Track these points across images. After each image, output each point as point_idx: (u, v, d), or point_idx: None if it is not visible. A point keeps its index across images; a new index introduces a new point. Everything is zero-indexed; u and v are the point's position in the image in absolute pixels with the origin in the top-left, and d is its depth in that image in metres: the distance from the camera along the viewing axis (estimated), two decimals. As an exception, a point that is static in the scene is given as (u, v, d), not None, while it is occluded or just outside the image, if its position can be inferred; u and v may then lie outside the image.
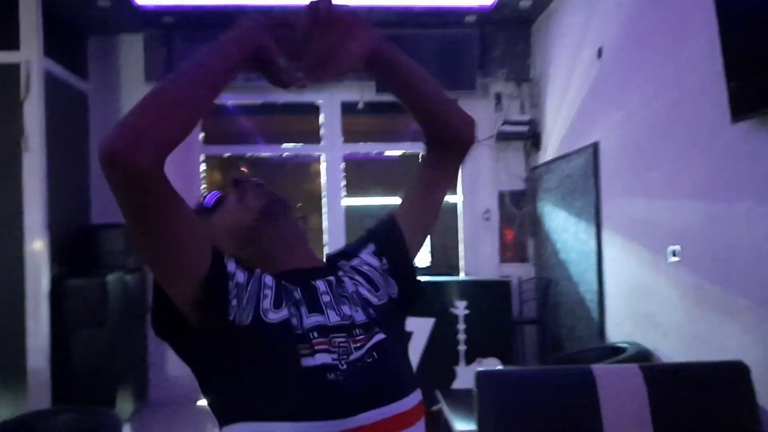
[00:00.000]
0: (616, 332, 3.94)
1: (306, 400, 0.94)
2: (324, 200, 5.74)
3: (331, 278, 1.10)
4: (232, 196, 1.16)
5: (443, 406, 3.39)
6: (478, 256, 5.63)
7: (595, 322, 4.19)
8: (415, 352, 4.16)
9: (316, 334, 0.99)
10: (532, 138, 5.40)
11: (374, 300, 1.11)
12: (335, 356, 0.98)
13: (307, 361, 0.96)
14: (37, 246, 4.40)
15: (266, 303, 1.00)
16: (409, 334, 3.80)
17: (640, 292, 3.65)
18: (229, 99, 5.72)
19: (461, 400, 3.40)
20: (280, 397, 0.94)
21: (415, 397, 1.03)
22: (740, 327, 2.74)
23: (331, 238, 5.68)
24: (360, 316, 1.06)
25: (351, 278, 1.13)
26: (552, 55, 5.11)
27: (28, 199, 4.39)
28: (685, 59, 3.12)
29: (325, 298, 1.06)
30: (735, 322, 2.78)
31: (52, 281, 4.51)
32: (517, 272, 5.46)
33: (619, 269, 3.92)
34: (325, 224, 5.70)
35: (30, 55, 4.42)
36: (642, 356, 3.38)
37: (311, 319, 1.01)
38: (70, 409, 2.92)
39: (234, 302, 0.98)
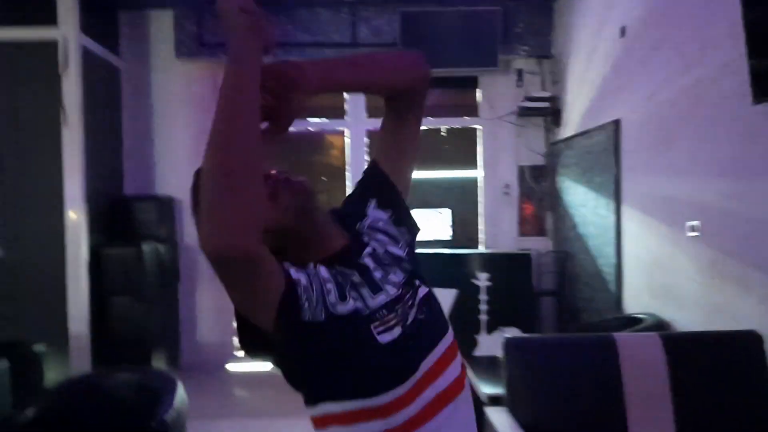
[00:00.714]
0: (633, 304, 4.09)
1: (385, 373, 1.07)
2: (348, 174, 5.89)
3: (369, 250, 1.18)
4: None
5: (468, 371, 3.57)
6: (497, 230, 5.78)
7: (613, 293, 4.34)
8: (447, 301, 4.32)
9: (385, 312, 1.11)
10: (553, 114, 5.49)
11: (400, 253, 1.22)
12: (401, 324, 1.11)
13: (384, 338, 1.09)
14: (76, 216, 4.60)
15: (331, 297, 1.08)
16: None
17: (658, 266, 3.79)
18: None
19: (484, 367, 3.59)
20: (364, 376, 1.07)
21: (449, 326, 1.20)
22: (755, 299, 2.88)
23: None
24: (399, 276, 1.17)
25: (375, 239, 1.21)
26: (574, 33, 5.19)
27: (67, 172, 4.58)
28: (709, 39, 3.20)
29: (377, 275, 1.15)
30: (750, 294, 2.92)
31: (90, 250, 4.71)
32: (535, 246, 5.60)
33: (638, 243, 4.06)
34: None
35: (67, 31, 4.58)
36: (659, 327, 3.53)
37: (377, 300, 1.12)
38: (130, 368, 3.12)
39: (306, 305, 1.05)
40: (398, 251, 1.21)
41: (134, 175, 5.58)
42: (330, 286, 1.09)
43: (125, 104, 5.55)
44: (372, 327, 1.08)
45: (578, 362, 2.64)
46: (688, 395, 2.58)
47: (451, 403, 1.13)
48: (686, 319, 3.45)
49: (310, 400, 1.12)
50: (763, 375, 2.63)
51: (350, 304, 1.09)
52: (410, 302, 1.15)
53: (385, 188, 1.29)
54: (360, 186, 1.34)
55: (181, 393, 2.66)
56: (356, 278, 1.13)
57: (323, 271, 1.11)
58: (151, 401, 2.51)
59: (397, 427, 1.06)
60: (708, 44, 3.23)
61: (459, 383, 1.17)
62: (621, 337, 2.68)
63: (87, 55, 4.78)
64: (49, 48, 4.58)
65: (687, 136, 3.47)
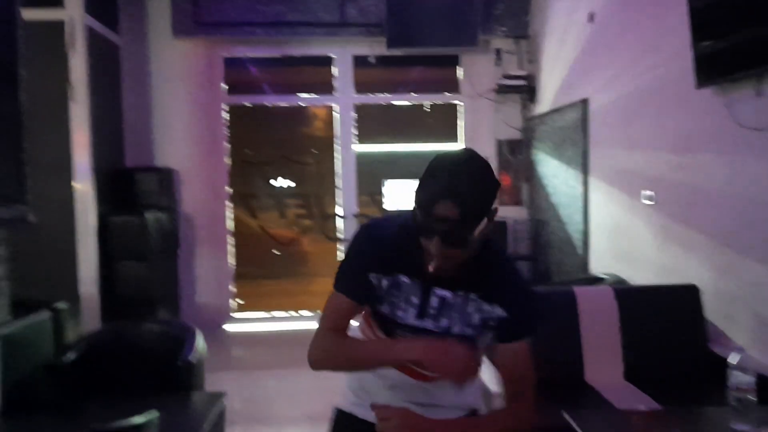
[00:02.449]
0: (598, 266, 4.54)
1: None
2: (338, 147, 6.26)
3: (449, 294, 1.49)
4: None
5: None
6: (477, 199, 6.19)
7: (581, 257, 4.79)
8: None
9: (408, 333, 1.53)
10: (529, 92, 5.88)
11: (464, 328, 1.52)
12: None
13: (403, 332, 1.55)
14: (85, 187, 4.92)
15: (378, 299, 1.54)
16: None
17: (619, 231, 4.23)
18: (249, 52, 6.16)
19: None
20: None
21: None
22: (698, 258, 3.33)
23: (344, 182, 6.23)
24: (458, 329, 1.51)
25: (478, 310, 1.50)
26: (548, 15, 5.56)
27: (76, 145, 4.89)
28: (665, 26, 3.59)
29: (431, 311, 1.51)
30: (694, 253, 3.36)
31: (98, 218, 5.05)
32: (512, 214, 6.02)
33: (602, 211, 4.49)
34: (338, 169, 6.25)
35: (74, 11, 4.85)
36: (618, 284, 3.98)
37: (414, 321, 1.52)
38: (153, 320, 3.50)
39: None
40: (471, 321, 1.52)
41: (135, 148, 5.89)
42: (381, 293, 1.52)
43: (125, 81, 5.84)
44: (398, 331, 1.54)
45: (543, 311, 3.07)
46: (635, 339, 3.03)
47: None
48: (641, 278, 3.90)
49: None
50: (700, 321, 3.08)
51: (386, 308, 1.54)
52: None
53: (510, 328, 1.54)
54: (512, 309, 1.52)
55: (200, 340, 3.05)
56: (414, 299, 1.51)
57: (384, 282, 1.52)
58: (175, 346, 2.91)
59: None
60: (664, 31, 3.62)
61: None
62: (579, 289, 3.12)
63: (90, 34, 5.06)
64: (56, 27, 4.85)
65: (644, 115, 3.88)
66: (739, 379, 2.19)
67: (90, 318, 4.89)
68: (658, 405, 2.53)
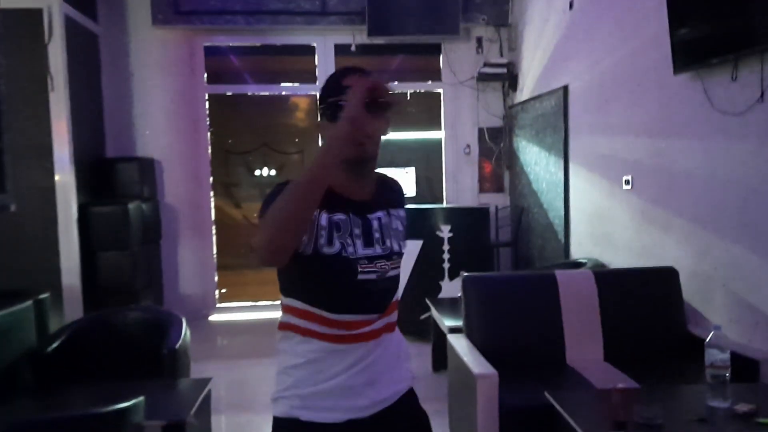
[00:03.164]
0: (579, 251, 4.61)
1: (354, 300, 1.45)
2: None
3: (380, 215, 1.51)
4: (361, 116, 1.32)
5: (432, 310, 4.05)
6: (459, 187, 6.24)
7: (561, 242, 4.85)
8: (406, 269, 4.79)
9: (366, 261, 1.46)
10: (510, 79, 5.92)
11: (400, 236, 1.57)
12: (378, 274, 1.48)
13: (362, 276, 1.45)
14: (66, 177, 4.89)
15: (322, 240, 1.41)
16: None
17: (599, 216, 4.29)
18: (229, 41, 6.13)
19: (447, 306, 4.07)
20: (336, 297, 1.44)
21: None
22: (675, 240, 3.39)
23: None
24: (397, 247, 1.53)
25: (391, 216, 1.55)
26: (528, 3, 5.59)
27: (56, 135, 4.85)
28: (642, 15, 3.64)
29: (376, 235, 1.49)
30: (671, 236, 3.43)
31: (79, 209, 5.02)
32: (494, 201, 6.07)
33: (582, 197, 4.55)
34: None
35: (52, 0, 4.79)
36: (597, 268, 4.04)
37: (365, 251, 1.46)
38: (138, 308, 3.50)
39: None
40: (399, 234, 1.57)
41: (115, 138, 5.85)
42: (323, 232, 1.42)
43: (104, 70, 5.79)
44: (358, 266, 1.45)
45: (525, 295, 3.13)
46: (615, 321, 3.08)
47: (382, 336, 1.51)
48: (620, 261, 3.96)
49: (285, 291, 1.53)
50: (678, 303, 3.14)
51: (336, 247, 1.43)
52: (394, 263, 1.52)
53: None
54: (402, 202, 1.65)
55: (185, 328, 3.06)
56: (357, 231, 1.47)
57: (323, 219, 1.43)
58: (160, 334, 2.91)
59: (334, 335, 1.45)
60: (641, 19, 3.66)
61: (391, 327, 1.55)
62: (560, 273, 3.17)
63: (68, 23, 5.01)
64: (34, 16, 4.80)
65: (622, 101, 3.93)
66: (715, 356, 2.25)
67: (72, 309, 4.87)
68: (637, 384, 2.58)
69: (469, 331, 3.07)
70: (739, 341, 2.85)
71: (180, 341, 2.89)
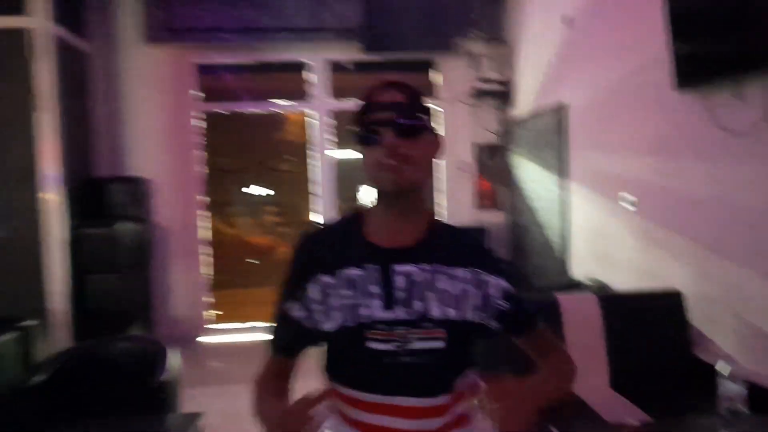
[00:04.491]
0: (579, 270, 4.51)
1: (366, 375, 1.25)
2: (314, 153, 6.16)
3: (415, 269, 1.25)
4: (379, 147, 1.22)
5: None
6: (456, 204, 6.15)
7: (560, 261, 4.76)
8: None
9: (383, 327, 1.22)
10: (506, 96, 5.86)
11: (455, 312, 1.26)
12: (398, 344, 1.22)
13: (374, 345, 1.22)
14: (54, 198, 4.77)
15: (317, 317, 1.27)
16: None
17: (600, 235, 4.20)
18: (222, 58, 6.05)
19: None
20: (348, 370, 1.28)
21: (443, 399, 1.27)
22: (680, 262, 3.30)
23: (322, 189, 6.14)
24: (437, 312, 1.24)
25: (462, 281, 1.28)
26: (524, 19, 5.54)
27: (44, 155, 4.74)
28: (643, 32, 3.57)
29: (400, 294, 1.24)
30: (676, 258, 3.34)
31: (68, 230, 4.90)
32: (490, 218, 5.99)
33: (583, 215, 4.47)
34: (317, 176, 6.16)
35: (39, 18, 4.70)
36: (599, 289, 3.95)
37: (383, 314, 1.23)
38: (126, 338, 3.38)
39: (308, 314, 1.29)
40: (454, 299, 1.27)
41: (106, 157, 5.74)
42: (315, 306, 1.27)
43: (95, 88, 5.68)
44: (367, 334, 1.23)
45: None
46: (620, 346, 2.99)
47: None
48: (622, 282, 3.87)
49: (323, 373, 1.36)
50: (685, 326, 3.05)
51: (336, 322, 1.25)
52: (417, 333, 1.23)
53: (520, 309, 1.40)
54: (513, 280, 1.37)
55: (175, 357, 2.95)
56: (374, 287, 1.24)
57: (314, 290, 1.27)
58: (148, 365, 2.80)
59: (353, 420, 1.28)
60: (642, 35, 3.59)
61: (461, 421, 1.32)
62: (563, 297, 3.07)
63: (56, 41, 4.91)
64: (20, 35, 4.70)
65: (623, 119, 3.86)
66: (729, 388, 2.16)
67: (61, 334, 4.74)
68: (646, 415, 2.49)
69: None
70: (752, 369, 2.75)
71: (168, 373, 2.78)
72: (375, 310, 1.23)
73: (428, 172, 1.29)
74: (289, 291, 1.32)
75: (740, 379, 2.11)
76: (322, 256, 1.29)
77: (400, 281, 1.25)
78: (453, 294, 1.27)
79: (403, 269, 1.25)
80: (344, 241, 1.30)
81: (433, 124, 1.30)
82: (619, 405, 2.71)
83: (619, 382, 2.93)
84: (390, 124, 1.21)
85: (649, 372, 2.99)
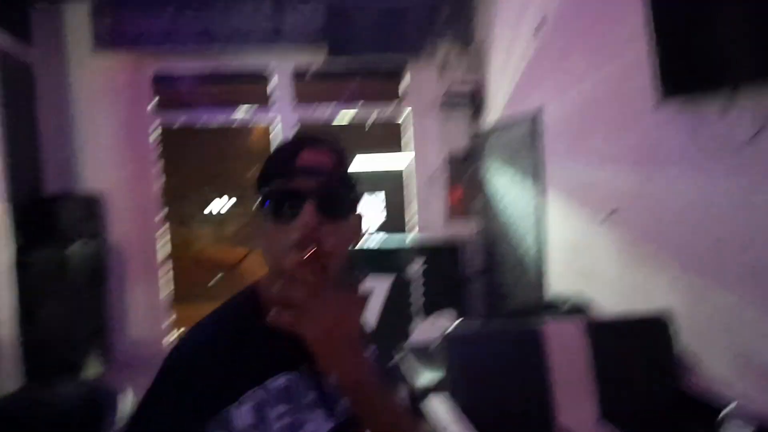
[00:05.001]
0: (558, 284, 4.33)
1: None
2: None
3: None
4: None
5: (407, 358, 3.71)
6: (427, 215, 5.93)
7: (537, 275, 4.57)
8: (375, 306, 4.45)
9: None
10: (477, 102, 5.66)
11: None
12: None
13: None
14: (-2, 219, 4.43)
15: (308, 422, 1.00)
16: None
17: (580, 249, 4.02)
18: (178, 67, 5.74)
19: (421, 356, 3.74)
20: None
21: None
22: (667, 279, 3.12)
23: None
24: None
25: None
26: (496, 23, 5.34)
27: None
28: (624, 35, 3.39)
29: (335, 394, 1.04)
30: (663, 273, 3.16)
31: (14, 254, 4.56)
32: (463, 230, 5.78)
33: (561, 227, 4.28)
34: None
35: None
36: (580, 308, 3.76)
37: (327, 425, 1.01)
38: (71, 384, 3.08)
39: None
40: None
41: (56, 173, 5.39)
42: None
43: (41, 99, 5.33)
44: None
45: (510, 351, 2.81)
46: (608, 376, 2.80)
47: None
48: (605, 299, 3.69)
49: None
50: (673, 353, 2.88)
51: None
52: None
53: None
54: None
55: (125, 406, 2.66)
56: (311, 395, 1.03)
57: (244, 413, 0.96)
58: (97, 417, 2.51)
59: None
60: (621, 42, 3.41)
61: None
62: (548, 326, 2.87)
63: (-2, 51, 4.57)
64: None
65: (603, 128, 3.68)
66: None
67: (8, 368, 4.39)
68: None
69: (452, 392, 2.74)
70: (745, 397, 2.58)
71: (119, 427, 2.49)
72: (320, 424, 1.00)
73: (343, 261, 1.02)
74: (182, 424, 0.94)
75: (748, 425, 1.93)
76: (241, 365, 0.98)
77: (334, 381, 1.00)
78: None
79: None
80: (253, 339, 1.00)
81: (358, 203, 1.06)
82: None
83: (609, 413, 2.74)
84: (312, 197, 0.97)
85: (638, 402, 2.80)
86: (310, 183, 0.98)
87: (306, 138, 1.05)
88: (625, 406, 2.78)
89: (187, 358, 0.98)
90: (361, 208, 1.07)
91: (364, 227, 1.09)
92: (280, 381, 0.99)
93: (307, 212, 0.96)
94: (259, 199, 1.02)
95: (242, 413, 0.95)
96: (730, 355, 2.70)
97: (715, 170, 2.75)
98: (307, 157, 1.00)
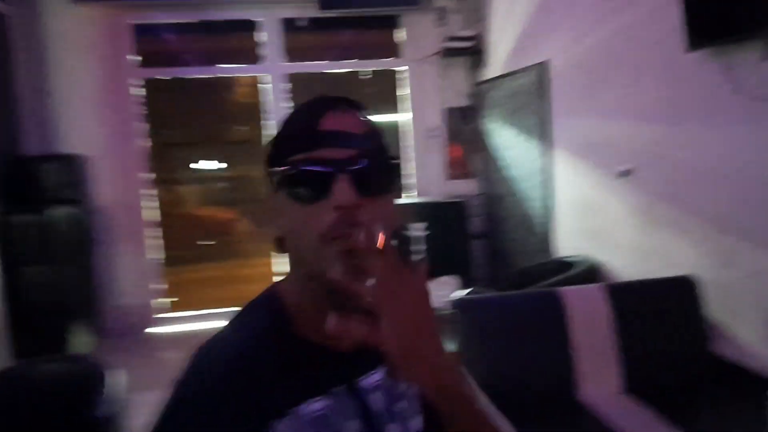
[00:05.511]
0: (565, 246, 4.16)
1: None
2: (268, 121, 5.62)
3: (379, 378, 0.86)
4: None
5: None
6: (426, 174, 5.71)
7: (544, 236, 4.39)
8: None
9: None
10: (477, 54, 5.39)
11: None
12: None
13: None
14: (-27, 184, 4.17)
15: None
16: None
17: (591, 209, 3.84)
18: (161, 17, 5.41)
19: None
20: None
21: None
22: (689, 242, 2.96)
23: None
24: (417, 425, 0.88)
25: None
26: (497, -31, 5.05)
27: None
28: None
29: (382, 418, 0.85)
30: (684, 237, 2.99)
31: (-6, 219, 4.33)
32: (463, 188, 5.58)
33: (570, 186, 4.09)
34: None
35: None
36: (593, 270, 3.60)
37: None
38: (52, 359, 2.89)
39: None
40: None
41: (34, 133, 5.09)
42: None
43: (17, 55, 5.00)
44: None
45: (527, 318, 2.64)
46: (631, 342, 2.64)
47: None
48: (620, 262, 3.53)
49: None
50: (698, 316, 2.72)
51: None
52: None
53: None
54: None
55: (118, 379, 2.48)
56: (352, 423, 0.82)
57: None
58: (84, 394, 2.33)
59: None
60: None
61: None
62: (567, 291, 2.70)
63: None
64: None
65: (618, 80, 3.46)
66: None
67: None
68: (661, 423, 2.15)
69: (466, 361, 2.57)
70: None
71: (106, 405, 2.31)
72: None
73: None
74: None
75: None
76: (263, 388, 0.78)
77: (374, 400, 0.83)
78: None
79: (371, 382, 0.84)
80: (281, 355, 0.81)
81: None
82: (632, 414, 2.37)
83: (632, 385, 2.59)
84: (347, 171, 0.77)
85: (663, 372, 2.65)
86: (340, 152, 0.78)
87: (328, 99, 0.84)
88: (651, 376, 2.62)
89: (205, 381, 0.78)
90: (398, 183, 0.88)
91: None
92: (315, 406, 0.80)
93: (342, 188, 0.76)
94: (275, 174, 0.82)
95: None
96: (761, 321, 2.55)
97: (747, 125, 2.55)
98: (334, 121, 0.80)
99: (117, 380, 2.50)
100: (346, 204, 0.75)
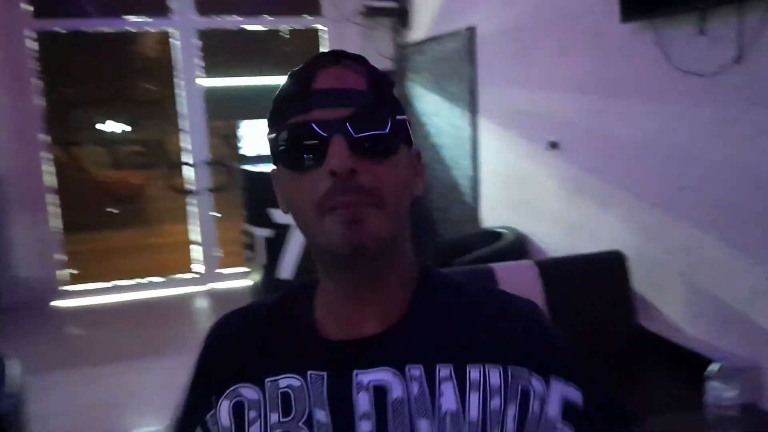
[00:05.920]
0: (491, 217, 4.14)
1: None
2: (179, 81, 5.26)
3: (387, 377, 0.70)
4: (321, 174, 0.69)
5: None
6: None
7: (469, 205, 4.36)
8: (290, 256, 4.08)
9: None
10: (402, 15, 5.23)
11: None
12: None
13: None
14: None
15: None
16: None
17: (517, 180, 3.81)
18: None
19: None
20: None
21: None
22: (616, 216, 2.97)
23: (191, 124, 5.30)
24: None
25: (462, 389, 0.70)
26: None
27: None
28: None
29: (364, 426, 0.69)
30: (611, 211, 3.00)
31: None
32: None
33: (496, 156, 4.04)
34: (184, 109, 5.28)
35: None
36: (520, 241, 3.59)
37: None
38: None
39: None
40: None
41: None
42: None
43: None
44: None
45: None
46: (562, 316, 2.62)
47: None
48: (547, 234, 3.53)
49: None
50: (627, 290, 2.75)
51: None
52: None
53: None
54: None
55: (13, 368, 2.25)
56: (321, 415, 0.70)
57: (225, 416, 0.74)
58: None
59: None
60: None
61: None
62: (499, 267, 2.65)
63: None
64: None
65: (548, 50, 3.40)
66: (720, 393, 1.83)
67: None
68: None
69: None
70: (703, 339, 2.49)
71: (7, 399, 2.09)
72: None
73: (405, 214, 0.76)
74: (188, 411, 0.81)
75: (734, 384, 1.79)
76: (244, 354, 0.78)
77: (363, 401, 0.70)
78: (470, 420, 0.68)
79: (372, 378, 0.71)
80: (280, 331, 0.79)
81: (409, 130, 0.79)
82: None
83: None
84: (343, 132, 0.69)
85: (593, 345, 2.64)
86: (334, 112, 0.70)
87: (325, 54, 0.76)
88: (581, 351, 2.62)
89: (209, 332, 0.85)
90: (411, 141, 0.79)
91: (421, 164, 0.81)
92: (282, 382, 0.74)
93: (337, 151, 0.68)
94: (272, 143, 0.75)
95: (223, 411, 0.75)
96: (688, 294, 2.59)
97: (680, 101, 2.54)
98: (329, 79, 0.72)
99: (13, 371, 2.28)
100: (341, 168, 0.67)
